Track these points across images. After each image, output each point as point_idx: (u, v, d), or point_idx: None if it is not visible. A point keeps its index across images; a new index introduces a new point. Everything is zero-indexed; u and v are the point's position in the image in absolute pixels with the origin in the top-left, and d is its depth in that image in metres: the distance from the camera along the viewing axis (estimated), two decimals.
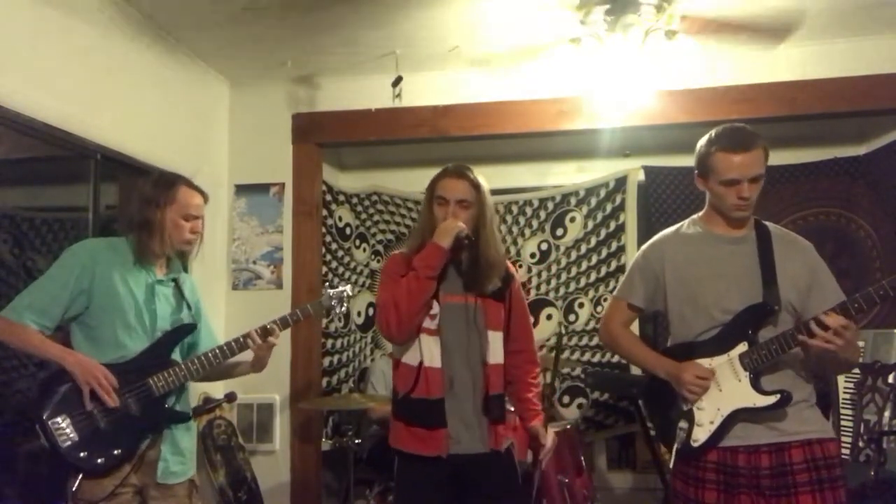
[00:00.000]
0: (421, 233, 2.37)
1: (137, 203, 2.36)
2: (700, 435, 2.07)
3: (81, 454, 2.10)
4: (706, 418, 2.07)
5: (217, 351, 2.34)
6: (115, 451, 2.15)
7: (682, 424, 2.10)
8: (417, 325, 2.29)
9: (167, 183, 2.36)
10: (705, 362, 2.10)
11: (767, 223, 2.19)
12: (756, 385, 2.02)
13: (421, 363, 2.29)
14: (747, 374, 2.03)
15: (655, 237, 2.31)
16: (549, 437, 2.47)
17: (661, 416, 2.26)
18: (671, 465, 2.14)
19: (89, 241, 2.46)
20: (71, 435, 2.10)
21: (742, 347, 2.06)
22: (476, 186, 2.34)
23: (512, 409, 2.46)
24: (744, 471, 2.01)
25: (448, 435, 2.25)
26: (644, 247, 2.32)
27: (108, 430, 2.14)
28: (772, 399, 2.00)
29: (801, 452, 1.99)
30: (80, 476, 2.10)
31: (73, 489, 2.09)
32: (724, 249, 2.14)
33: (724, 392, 2.06)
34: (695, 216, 2.26)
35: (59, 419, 2.10)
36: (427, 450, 2.25)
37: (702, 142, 2.14)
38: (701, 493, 2.06)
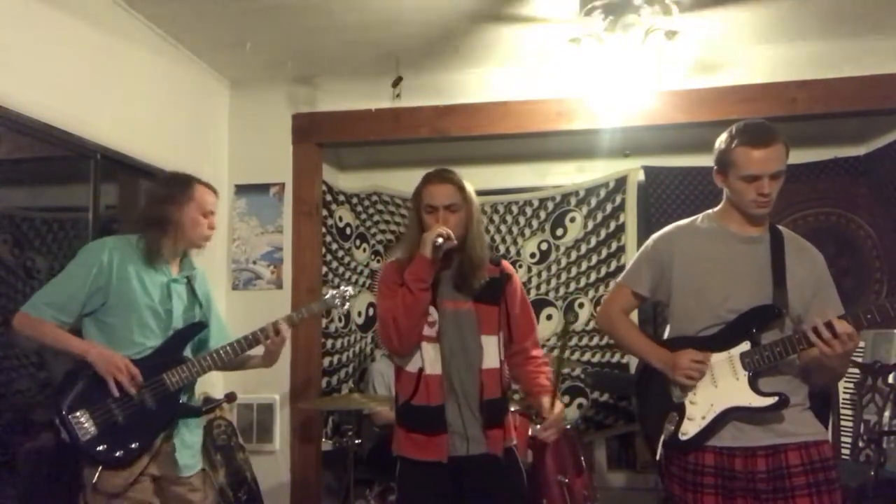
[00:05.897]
0: (411, 242, 2.36)
1: (151, 202, 2.38)
2: (689, 429, 2.05)
3: (100, 447, 2.16)
4: (698, 413, 2.05)
5: (228, 348, 2.39)
6: (133, 445, 2.20)
7: (672, 417, 2.07)
8: (418, 336, 2.30)
9: (182, 181, 2.39)
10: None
11: (781, 227, 2.17)
12: (754, 385, 2.00)
13: (421, 370, 2.30)
14: (747, 373, 2.01)
15: (668, 227, 2.27)
16: (555, 410, 2.32)
17: (649, 410, 2.22)
18: (657, 458, 2.09)
19: (108, 239, 2.46)
20: (90, 429, 2.16)
21: (744, 346, 2.03)
22: (461, 188, 2.34)
23: (512, 409, 2.45)
24: (740, 474, 1.99)
25: (449, 440, 2.26)
26: (655, 236, 2.28)
27: (125, 424, 2.20)
28: (769, 401, 1.98)
29: (797, 455, 1.97)
30: (100, 468, 2.15)
31: (94, 481, 2.14)
32: (737, 248, 2.11)
33: (720, 388, 2.04)
34: (710, 211, 2.22)
35: (78, 413, 2.16)
36: (427, 455, 2.26)
37: (721, 137, 2.12)
38: (700, 497, 2.03)
